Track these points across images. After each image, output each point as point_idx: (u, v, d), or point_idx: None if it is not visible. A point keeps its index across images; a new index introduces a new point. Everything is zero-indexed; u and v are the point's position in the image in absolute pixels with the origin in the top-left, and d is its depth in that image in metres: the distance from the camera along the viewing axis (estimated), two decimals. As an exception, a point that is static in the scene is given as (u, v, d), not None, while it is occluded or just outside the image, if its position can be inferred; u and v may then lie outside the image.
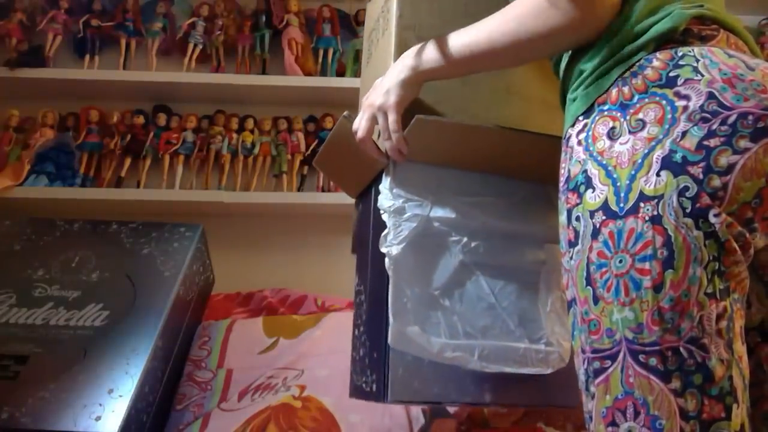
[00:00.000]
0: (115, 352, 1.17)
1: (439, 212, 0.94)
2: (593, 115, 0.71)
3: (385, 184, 0.95)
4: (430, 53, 0.85)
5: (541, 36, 0.75)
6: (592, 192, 0.68)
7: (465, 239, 0.95)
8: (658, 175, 0.63)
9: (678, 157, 0.63)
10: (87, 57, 2.01)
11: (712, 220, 0.62)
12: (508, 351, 0.92)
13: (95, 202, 1.88)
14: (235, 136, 2.03)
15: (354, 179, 1.11)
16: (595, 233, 0.66)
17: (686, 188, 0.62)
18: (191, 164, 2.00)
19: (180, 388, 1.34)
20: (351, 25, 2.16)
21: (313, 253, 1.96)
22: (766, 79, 0.65)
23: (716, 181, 0.62)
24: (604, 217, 0.66)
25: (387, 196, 0.94)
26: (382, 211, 0.94)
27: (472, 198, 0.97)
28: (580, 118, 0.73)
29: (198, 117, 2.04)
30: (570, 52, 0.80)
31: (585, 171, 0.69)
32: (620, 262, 0.64)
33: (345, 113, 1.01)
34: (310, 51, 2.09)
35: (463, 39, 0.82)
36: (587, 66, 0.75)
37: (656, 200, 0.63)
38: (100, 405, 1.08)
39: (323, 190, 2.00)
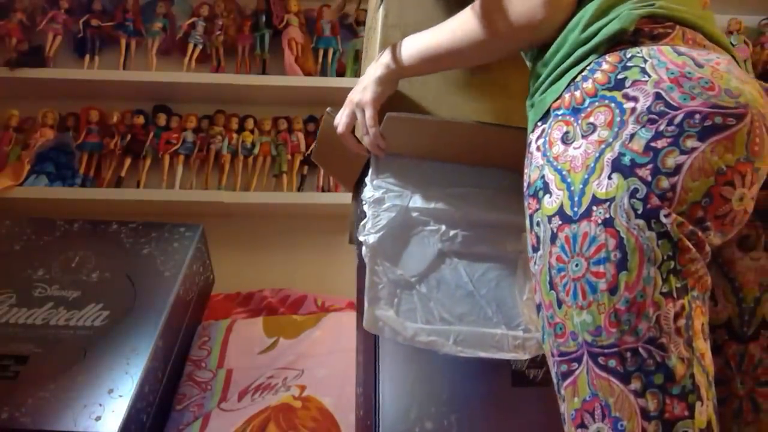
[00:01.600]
0: (115, 352, 1.17)
1: (418, 202, 0.96)
2: (549, 120, 0.72)
3: (368, 177, 0.98)
4: (403, 52, 0.88)
5: (499, 35, 0.78)
6: (549, 197, 0.68)
7: (444, 228, 0.96)
8: (609, 178, 0.63)
9: (626, 159, 0.63)
10: (87, 57, 2.01)
11: (663, 220, 0.62)
12: (484, 336, 0.93)
13: (95, 202, 1.88)
14: (235, 136, 2.03)
15: (347, 171, 1.13)
16: (553, 238, 0.67)
17: (636, 190, 0.62)
18: (191, 164, 2.00)
19: (180, 388, 1.34)
20: (351, 25, 2.16)
21: (313, 253, 1.96)
22: (715, 75, 0.64)
23: (664, 183, 0.62)
24: (560, 222, 0.66)
25: (369, 188, 0.96)
26: (363, 202, 0.95)
27: (452, 189, 0.99)
28: (539, 123, 0.74)
29: (198, 117, 2.04)
30: (533, 56, 0.81)
31: (543, 176, 0.70)
32: (576, 266, 0.64)
33: (328, 109, 1.04)
34: (310, 51, 2.09)
35: (429, 39, 0.86)
36: (542, 70, 0.76)
37: (608, 203, 0.63)
38: (100, 405, 1.08)
39: (323, 190, 2.00)
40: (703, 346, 0.62)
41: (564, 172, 0.67)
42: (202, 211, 1.90)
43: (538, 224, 0.70)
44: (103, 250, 1.39)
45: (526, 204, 0.73)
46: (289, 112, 2.08)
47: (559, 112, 0.71)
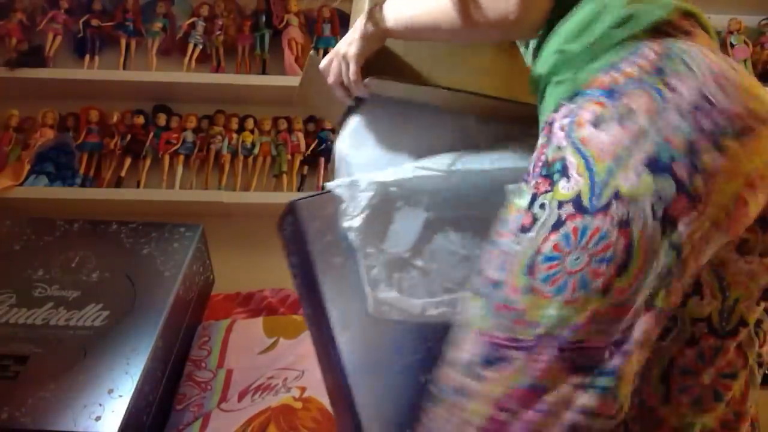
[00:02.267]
0: (115, 352, 1.17)
1: (394, 176, 0.93)
2: (579, 100, 0.68)
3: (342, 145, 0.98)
4: (388, 13, 0.90)
5: (473, 27, 0.79)
6: (567, 182, 0.64)
7: (426, 198, 0.93)
8: (638, 174, 0.61)
9: (665, 155, 0.61)
10: (87, 57, 2.01)
11: (681, 229, 0.60)
12: None
13: (95, 202, 1.88)
14: (235, 136, 2.03)
15: (333, 109, 1.13)
16: (558, 225, 0.63)
17: (663, 190, 0.60)
18: (191, 164, 2.00)
19: (180, 388, 1.34)
20: (351, 24, 2.16)
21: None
22: (745, 80, 0.65)
23: (699, 182, 0.60)
24: (572, 210, 0.63)
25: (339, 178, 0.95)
26: (338, 187, 0.92)
27: (430, 154, 0.97)
28: (564, 101, 0.70)
29: (198, 117, 2.04)
30: (544, 32, 0.78)
31: (563, 158, 0.66)
32: (576, 259, 0.62)
33: (311, 53, 1.07)
34: (310, 51, 2.09)
35: (411, 11, 0.87)
36: (573, 47, 0.72)
37: (630, 201, 0.61)
38: (100, 405, 1.08)
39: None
40: (645, 357, 0.64)
41: (590, 158, 0.63)
42: (202, 211, 1.90)
43: (542, 206, 0.66)
44: (103, 250, 1.39)
45: (531, 183, 0.69)
46: (289, 112, 2.08)
47: (593, 93, 0.67)
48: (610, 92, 0.66)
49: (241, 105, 2.07)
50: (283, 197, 1.95)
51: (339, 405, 0.87)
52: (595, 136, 0.64)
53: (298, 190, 2.02)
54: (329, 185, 0.93)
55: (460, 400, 0.65)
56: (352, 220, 0.89)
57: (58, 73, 1.94)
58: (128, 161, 1.97)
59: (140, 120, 2.01)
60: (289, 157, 2.02)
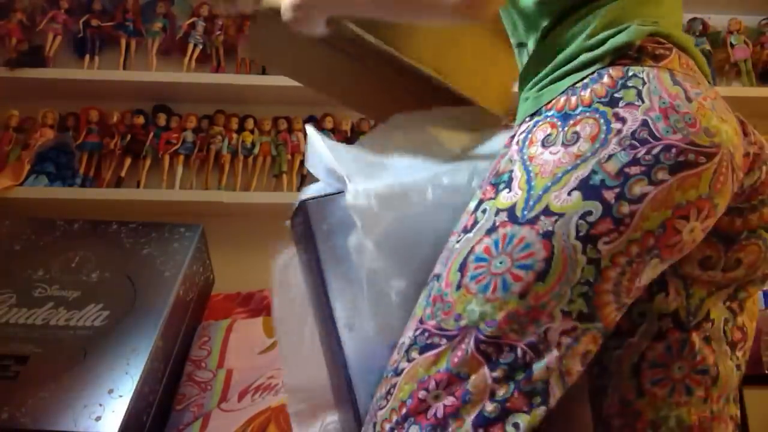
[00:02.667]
0: (115, 352, 1.17)
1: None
2: (537, 119, 0.72)
3: (349, 182, 0.87)
4: None
5: (424, 11, 0.79)
6: (508, 192, 0.70)
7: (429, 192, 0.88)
8: (569, 194, 0.65)
9: (596, 179, 0.64)
10: (87, 57, 2.01)
11: (600, 247, 0.64)
12: None
13: (95, 202, 1.88)
14: (235, 136, 2.03)
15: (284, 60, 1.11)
16: (491, 230, 0.69)
17: (589, 212, 0.64)
18: (191, 164, 2.00)
19: (180, 388, 1.34)
20: (351, 25, 2.16)
21: (313, 253, 1.96)
22: (700, 112, 0.67)
23: (625, 209, 0.64)
24: (505, 219, 0.68)
25: (353, 194, 0.84)
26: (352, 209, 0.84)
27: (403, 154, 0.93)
28: (527, 119, 0.75)
29: (198, 117, 2.04)
30: (530, 48, 0.82)
31: (511, 171, 0.71)
32: (501, 263, 0.67)
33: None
34: (309, 51, 2.09)
35: None
36: (541, 68, 0.76)
37: (556, 217, 0.65)
38: (100, 405, 1.08)
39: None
40: (574, 366, 0.67)
41: (531, 174, 0.68)
42: (202, 211, 1.90)
43: (483, 211, 0.71)
44: (103, 250, 1.39)
45: (480, 189, 0.74)
46: (289, 112, 2.08)
47: (549, 113, 0.71)
48: (564, 115, 0.70)
49: (241, 105, 2.07)
50: (283, 197, 1.96)
51: (342, 404, 0.88)
52: (540, 155, 0.69)
53: (298, 190, 2.01)
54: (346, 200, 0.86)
55: (395, 378, 0.70)
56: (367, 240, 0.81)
57: (58, 73, 1.94)
58: (128, 161, 1.97)
59: (140, 120, 2.01)
60: (289, 157, 2.02)
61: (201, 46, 2.05)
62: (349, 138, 2.08)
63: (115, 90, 2.00)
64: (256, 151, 2.02)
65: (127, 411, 1.08)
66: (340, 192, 0.86)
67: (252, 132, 2.05)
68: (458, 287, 0.69)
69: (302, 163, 2.03)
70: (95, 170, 1.96)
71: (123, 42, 2.03)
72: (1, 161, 1.90)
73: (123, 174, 1.96)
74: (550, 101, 0.72)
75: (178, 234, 1.44)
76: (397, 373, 0.70)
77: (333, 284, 0.85)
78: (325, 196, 0.90)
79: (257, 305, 1.69)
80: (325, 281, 0.85)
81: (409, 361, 0.70)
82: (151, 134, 1.99)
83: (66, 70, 1.97)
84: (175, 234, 1.44)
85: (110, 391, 1.11)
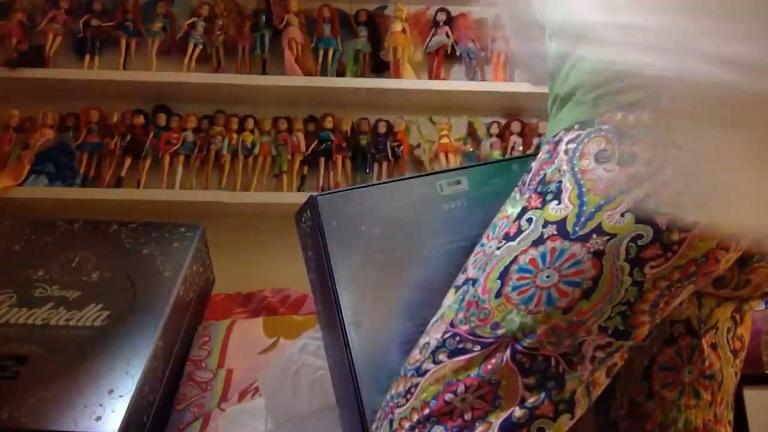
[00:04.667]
0: (115, 352, 1.17)
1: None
2: (590, 130, 0.70)
3: None
4: None
5: None
6: (557, 204, 0.69)
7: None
8: (622, 215, 0.65)
9: (651, 204, 0.64)
10: (87, 57, 2.01)
11: (647, 271, 0.65)
12: None
13: (95, 202, 1.88)
14: (235, 136, 2.03)
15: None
16: (538, 242, 0.68)
17: (640, 236, 0.64)
18: (191, 164, 2.00)
19: (180, 388, 1.34)
20: (351, 25, 2.16)
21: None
22: None
23: (675, 236, 0.64)
24: (554, 232, 0.67)
25: None
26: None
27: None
28: (577, 126, 0.72)
29: (198, 117, 2.05)
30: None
31: (560, 182, 0.70)
32: (547, 277, 0.67)
33: None
34: (310, 51, 2.09)
35: None
36: (604, 76, 0.72)
37: (608, 237, 0.65)
38: (101, 405, 1.08)
39: (323, 190, 2.00)
40: (600, 377, 0.69)
41: (583, 189, 0.67)
42: (202, 211, 1.90)
43: (529, 220, 0.70)
44: (103, 250, 1.39)
45: (525, 195, 0.73)
46: (289, 112, 2.08)
47: (604, 128, 0.69)
48: (621, 133, 0.68)
49: (241, 105, 2.07)
50: (283, 197, 1.96)
51: (346, 403, 0.88)
52: (594, 170, 0.68)
53: (298, 190, 2.02)
54: None
55: (417, 378, 0.71)
56: None
57: (58, 73, 1.95)
58: (128, 161, 1.97)
59: (140, 120, 2.01)
60: (289, 157, 2.02)
61: (201, 46, 2.05)
62: (349, 138, 2.08)
63: (115, 90, 2.00)
64: (256, 151, 2.03)
65: (127, 411, 1.08)
66: (352, 188, 0.89)
67: (252, 132, 2.05)
68: (497, 295, 0.69)
69: (302, 163, 2.03)
70: (95, 170, 1.97)
71: (123, 42, 2.03)
72: (1, 161, 1.90)
73: (123, 174, 1.96)
74: (605, 114, 0.70)
75: (178, 234, 1.44)
76: (420, 373, 0.71)
77: (341, 281, 0.85)
78: (336, 192, 0.91)
79: (257, 305, 1.69)
80: (334, 277, 0.85)
81: (435, 362, 0.70)
82: (151, 134, 1.99)
83: (66, 70, 1.97)
84: (175, 234, 1.44)
85: (110, 391, 1.10)
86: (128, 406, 1.08)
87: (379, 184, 0.91)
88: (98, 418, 1.06)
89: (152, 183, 1.97)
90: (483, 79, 2.17)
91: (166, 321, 1.25)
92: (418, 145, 2.12)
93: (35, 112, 1.99)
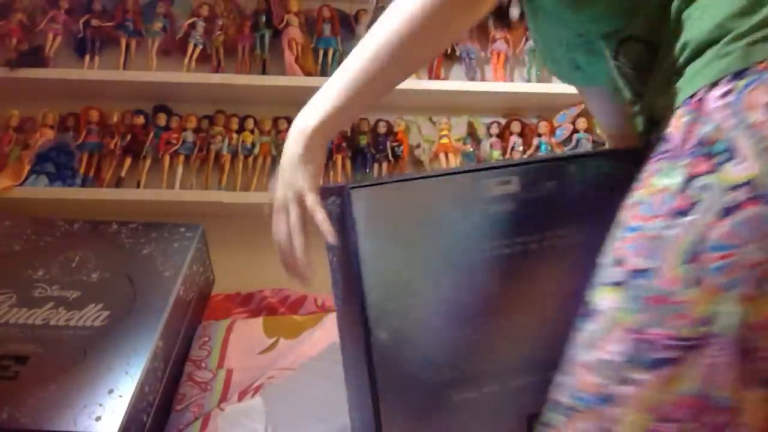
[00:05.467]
0: (115, 352, 1.17)
1: None
2: (750, 79, 0.60)
3: None
4: (324, 100, 0.75)
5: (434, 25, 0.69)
6: (737, 164, 0.56)
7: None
8: None
9: None
10: (87, 57, 2.01)
11: None
12: None
13: (95, 202, 1.88)
14: (235, 136, 2.03)
15: None
16: (729, 212, 0.55)
17: None
18: (191, 164, 2.00)
19: (180, 388, 1.34)
20: (351, 25, 2.16)
21: (313, 253, 1.95)
22: None
23: None
24: (750, 195, 0.55)
25: None
26: None
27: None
28: (727, 78, 0.61)
29: (198, 117, 2.05)
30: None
31: (728, 140, 0.58)
32: (759, 249, 0.53)
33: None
34: (310, 51, 2.09)
35: (360, 57, 0.73)
36: (734, 24, 0.63)
37: None
38: (100, 405, 1.08)
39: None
40: None
41: (764, 144, 0.56)
42: (202, 211, 1.90)
43: (703, 187, 0.58)
44: (103, 250, 1.39)
45: (685, 161, 0.61)
46: (289, 112, 2.08)
47: (766, 75, 0.59)
48: None
49: (241, 105, 2.07)
50: (283, 197, 1.96)
51: (360, 405, 0.81)
52: None
53: (298, 190, 2.02)
54: None
55: (609, 410, 0.57)
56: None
57: (58, 73, 1.94)
58: (128, 161, 1.97)
59: (140, 120, 2.01)
60: (289, 157, 2.02)
61: (201, 46, 2.05)
62: (349, 138, 2.08)
63: (115, 90, 2.00)
64: (256, 151, 2.03)
65: (127, 411, 1.08)
66: (390, 181, 0.80)
67: (252, 132, 2.05)
68: (694, 283, 0.55)
69: (302, 163, 2.03)
70: (95, 170, 1.97)
71: (123, 42, 2.03)
72: (1, 161, 1.90)
73: (123, 174, 1.96)
74: (763, 60, 0.60)
75: (178, 234, 1.44)
76: (610, 401, 0.57)
77: (368, 279, 0.77)
78: (373, 185, 0.79)
79: (257, 305, 1.69)
80: (361, 275, 0.77)
81: (626, 383, 0.56)
82: (151, 134, 1.99)
83: (66, 70, 1.97)
84: (175, 234, 1.44)
85: (110, 391, 1.10)
86: (128, 406, 1.09)
87: (420, 178, 0.81)
88: (98, 418, 1.06)
89: (152, 183, 1.97)
90: (483, 79, 2.17)
91: (166, 321, 1.25)
92: (418, 145, 2.13)
93: (35, 112, 1.99)
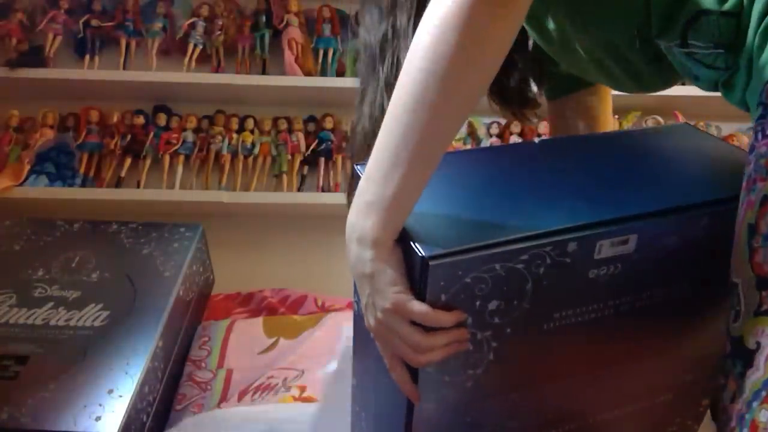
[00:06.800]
0: (115, 352, 1.17)
1: None
2: None
3: None
4: (376, 184, 0.56)
5: (480, 52, 0.54)
6: None
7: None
8: None
9: None
10: (87, 57, 2.01)
11: None
12: None
13: (95, 202, 1.88)
14: (235, 136, 2.03)
15: None
16: None
17: None
18: (191, 164, 2.00)
19: (180, 388, 1.34)
20: (351, 25, 2.16)
21: (313, 253, 1.96)
22: None
23: None
24: None
25: None
26: None
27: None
28: None
29: (198, 117, 2.05)
30: None
31: None
32: None
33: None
34: (310, 51, 2.09)
35: (398, 132, 0.55)
36: None
37: None
38: (100, 405, 1.08)
39: (323, 190, 2.00)
40: None
41: None
42: (202, 211, 1.90)
43: None
44: (103, 250, 1.39)
45: None
46: (289, 112, 2.08)
47: None
48: None
49: (241, 105, 2.07)
50: (283, 197, 1.96)
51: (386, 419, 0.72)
52: None
53: (298, 190, 2.02)
54: None
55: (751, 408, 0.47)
56: None
57: (58, 73, 1.94)
58: (128, 161, 1.97)
59: (140, 120, 2.01)
60: (289, 157, 2.02)
61: (201, 46, 2.05)
62: (349, 138, 2.08)
63: (115, 90, 2.00)
64: (256, 151, 2.02)
65: (127, 411, 1.08)
66: (475, 249, 0.56)
67: (252, 132, 2.05)
68: None
69: (302, 163, 2.03)
70: (95, 170, 1.97)
71: (123, 42, 2.03)
72: (1, 161, 1.90)
73: (123, 174, 1.96)
74: None
75: (178, 234, 1.44)
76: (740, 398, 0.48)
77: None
78: (454, 257, 0.56)
79: (257, 305, 1.69)
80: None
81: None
82: (151, 134, 1.99)
83: (66, 70, 1.97)
84: (175, 234, 1.44)
85: (110, 391, 1.10)
86: (128, 406, 1.09)
87: (515, 241, 0.57)
88: (98, 418, 1.06)
89: (152, 183, 1.97)
90: (483, 79, 2.16)
91: (165, 321, 1.25)
92: (418, 145, 2.12)
93: (35, 112, 1.99)
